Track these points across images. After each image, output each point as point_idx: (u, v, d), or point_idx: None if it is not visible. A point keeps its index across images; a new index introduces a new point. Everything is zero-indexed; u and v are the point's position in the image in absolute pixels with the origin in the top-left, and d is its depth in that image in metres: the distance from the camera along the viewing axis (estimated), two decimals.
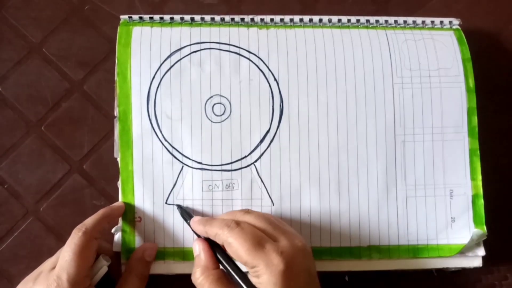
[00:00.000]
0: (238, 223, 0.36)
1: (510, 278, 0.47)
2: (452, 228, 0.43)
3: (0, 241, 0.45)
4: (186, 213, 0.42)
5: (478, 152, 0.44)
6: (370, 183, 0.43)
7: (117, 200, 0.43)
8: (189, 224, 0.41)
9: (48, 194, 0.46)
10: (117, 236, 0.42)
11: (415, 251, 0.43)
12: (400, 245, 0.43)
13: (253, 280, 0.35)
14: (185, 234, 0.42)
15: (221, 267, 0.38)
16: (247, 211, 0.39)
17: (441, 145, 0.44)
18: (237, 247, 0.35)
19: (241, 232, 0.35)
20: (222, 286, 0.36)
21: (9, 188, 0.45)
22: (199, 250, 0.39)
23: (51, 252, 0.44)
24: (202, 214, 0.42)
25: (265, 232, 0.36)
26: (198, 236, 0.40)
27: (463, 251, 0.43)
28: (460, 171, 0.44)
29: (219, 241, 0.37)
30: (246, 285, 0.35)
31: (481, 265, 0.43)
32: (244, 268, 0.37)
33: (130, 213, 0.42)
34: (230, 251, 0.36)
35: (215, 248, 0.38)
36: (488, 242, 0.43)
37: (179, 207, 0.42)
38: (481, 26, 0.50)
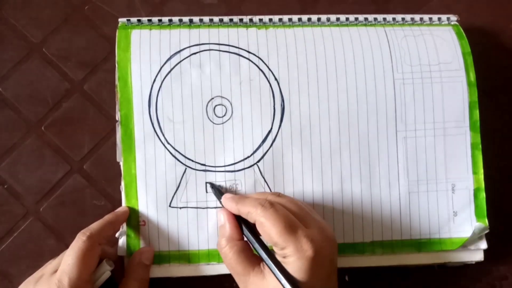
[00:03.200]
0: (272, 204, 0.36)
1: (510, 278, 0.47)
2: (454, 222, 0.43)
3: (0, 241, 0.45)
4: (218, 190, 0.42)
5: (480, 146, 0.44)
6: (372, 180, 0.43)
7: (118, 199, 0.43)
8: (220, 202, 0.41)
9: (48, 194, 0.45)
10: (122, 241, 0.42)
11: (418, 245, 0.43)
12: (403, 240, 0.43)
13: (278, 259, 0.36)
14: (190, 237, 0.42)
15: (245, 239, 0.39)
16: (279, 194, 0.39)
17: (442, 140, 0.44)
18: (269, 227, 0.35)
19: (275, 213, 0.35)
20: (246, 258, 0.37)
21: (9, 188, 0.45)
22: (224, 220, 0.39)
23: (51, 252, 0.44)
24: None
25: (296, 216, 0.36)
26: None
27: (466, 244, 0.43)
28: (462, 165, 0.44)
29: (250, 219, 0.37)
30: (273, 262, 0.35)
31: (482, 259, 0.44)
32: None
33: (134, 218, 0.42)
34: (261, 230, 0.36)
35: (241, 223, 0.39)
36: (490, 236, 0.44)
37: (212, 185, 0.42)
38: (481, 26, 0.50)
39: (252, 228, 0.38)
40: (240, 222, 0.39)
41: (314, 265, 0.34)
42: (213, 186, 0.42)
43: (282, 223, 0.35)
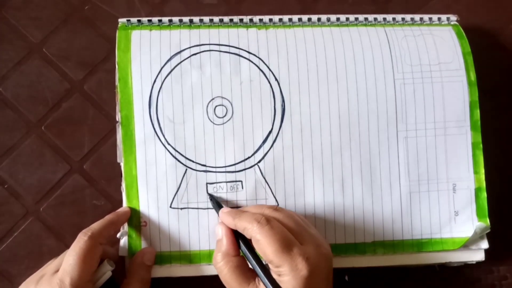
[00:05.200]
0: (268, 220, 0.36)
1: (510, 278, 0.47)
2: (456, 221, 0.43)
3: (0, 241, 0.44)
4: (217, 203, 0.41)
5: (481, 145, 0.44)
6: (373, 180, 0.43)
7: (118, 199, 0.43)
8: (218, 215, 0.40)
9: (48, 194, 0.45)
10: (123, 241, 0.42)
11: (419, 245, 0.43)
12: (404, 240, 0.43)
13: (274, 277, 0.35)
14: (191, 238, 0.42)
15: (241, 253, 0.38)
16: (276, 208, 0.39)
17: (443, 139, 0.44)
18: (265, 245, 0.35)
19: (270, 231, 0.35)
20: (241, 274, 0.37)
21: (9, 188, 0.45)
22: (222, 235, 0.39)
23: (51, 252, 0.44)
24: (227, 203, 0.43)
25: (292, 232, 0.36)
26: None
27: (467, 244, 0.43)
28: (463, 165, 0.44)
29: (247, 235, 0.37)
30: (268, 280, 0.35)
31: (483, 259, 0.44)
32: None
33: (135, 218, 0.42)
34: (257, 248, 0.36)
35: (239, 238, 0.38)
36: (490, 235, 0.44)
37: (211, 197, 0.42)
38: (481, 26, 0.50)
39: (249, 243, 0.38)
40: (238, 237, 0.39)
41: (309, 284, 0.34)
42: (212, 198, 0.42)
43: (278, 241, 0.35)
